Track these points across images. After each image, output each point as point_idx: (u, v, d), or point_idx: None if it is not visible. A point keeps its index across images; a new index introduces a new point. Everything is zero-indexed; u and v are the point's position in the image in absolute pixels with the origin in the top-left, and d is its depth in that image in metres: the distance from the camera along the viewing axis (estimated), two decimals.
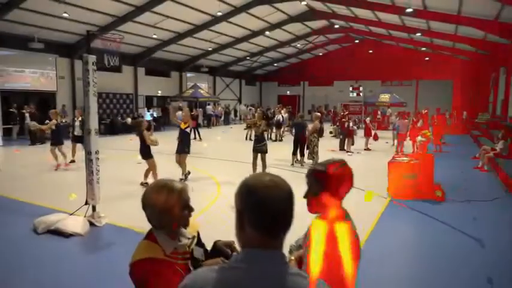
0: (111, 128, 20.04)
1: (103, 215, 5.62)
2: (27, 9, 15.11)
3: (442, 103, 29.22)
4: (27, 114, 16.75)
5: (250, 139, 16.32)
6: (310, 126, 10.90)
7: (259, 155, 8.42)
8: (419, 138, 8.06)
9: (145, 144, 7.74)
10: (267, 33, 24.09)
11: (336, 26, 24.88)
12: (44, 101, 19.70)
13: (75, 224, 5.15)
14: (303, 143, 10.47)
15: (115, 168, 10.26)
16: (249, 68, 34.66)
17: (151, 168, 7.87)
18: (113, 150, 13.44)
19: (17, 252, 4.61)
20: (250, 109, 29.27)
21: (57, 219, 5.21)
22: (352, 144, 13.86)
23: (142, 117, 22.79)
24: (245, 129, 23.98)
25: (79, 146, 10.61)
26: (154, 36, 21.10)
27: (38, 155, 13.01)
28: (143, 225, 5.08)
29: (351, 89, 35.06)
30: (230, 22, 21.63)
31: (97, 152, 5.55)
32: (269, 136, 17.44)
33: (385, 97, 25.92)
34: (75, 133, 10.65)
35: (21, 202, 6.71)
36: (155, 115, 23.35)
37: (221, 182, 8.30)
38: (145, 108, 23.66)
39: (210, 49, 25.86)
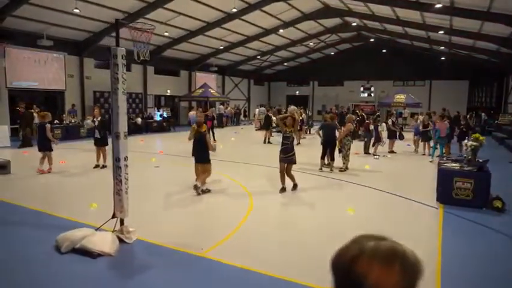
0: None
1: (132, 230, 4.95)
2: (37, 4, 14.50)
3: (456, 104, 28.44)
4: (35, 114, 16.11)
5: (269, 142, 15.59)
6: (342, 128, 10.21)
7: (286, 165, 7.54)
8: (469, 142, 7.32)
9: (206, 148, 7.24)
10: (281, 31, 23.40)
11: (354, 24, 24.12)
12: (51, 100, 19.10)
13: (103, 241, 4.48)
14: (333, 146, 9.78)
15: (133, 173, 9.56)
16: (258, 67, 33.99)
17: (208, 174, 7.35)
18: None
19: (37, 276, 3.96)
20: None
21: (82, 236, 4.55)
22: (379, 146, 13.16)
23: (170, 117, 22.18)
24: (257, 129, 23.38)
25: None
26: (166, 34, 20.44)
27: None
28: (177, 241, 4.34)
29: (362, 89, 34.35)
30: (243, 20, 20.97)
31: (126, 159, 4.88)
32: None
33: (400, 97, 25.20)
34: (95, 135, 10.00)
35: (38, 212, 6.05)
36: (165, 115, 22.70)
37: (252, 191, 7.57)
38: (155, 108, 23.04)
39: (221, 47, 25.20)
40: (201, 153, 7.30)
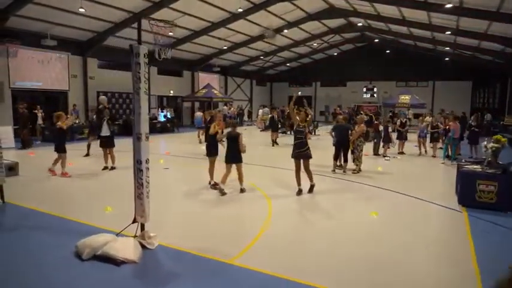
0: (125, 128, 19.15)
1: (153, 235, 4.77)
2: (43, 4, 14.31)
3: (459, 105, 28.36)
4: (39, 115, 15.94)
5: (276, 143, 15.38)
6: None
7: (302, 162, 7.34)
8: (490, 144, 7.16)
9: (239, 148, 7.29)
10: (286, 31, 23.25)
11: (359, 24, 23.97)
12: (53, 101, 18.87)
13: (126, 247, 4.30)
14: (346, 147, 9.61)
15: None
16: (260, 68, 33.83)
17: (242, 173, 7.41)
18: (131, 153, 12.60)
19: (58, 284, 3.77)
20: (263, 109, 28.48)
21: (103, 242, 4.37)
22: (389, 148, 13.01)
23: (173, 117, 21.94)
24: (262, 130, 23.14)
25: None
26: (170, 34, 20.22)
27: (51, 158, 12.20)
28: (200, 246, 4.13)
29: (364, 89, 34.24)
30: (247, 20, 20.83)
31: (147, 161, 4.71)
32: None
33: (405, 98, 25.05)
34: (102, 134, 9.72)
35: (52, 216, 5.86)
36: (169, 116, 22.50)
37: (268, 194, 7.39)
38: (159, 109, 22.86)
39: (224, 48, 25.04)
40: (235, 153, 7.30)
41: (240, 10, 18.21)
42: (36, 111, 16.08)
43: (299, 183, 7.38)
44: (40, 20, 15.74)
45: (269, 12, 20.45)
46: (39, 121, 16.11)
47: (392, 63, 31.39)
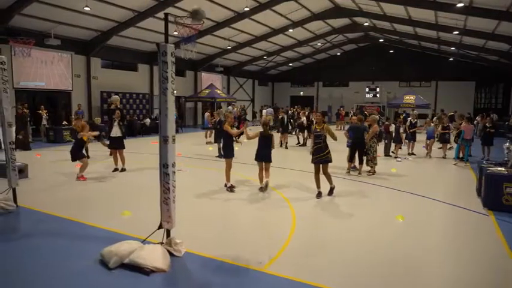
0: (129, 129, 18.94)
1: (179, 241, 4.57)
2: (47, 3, 14.08)
3: (462, 105, 28.28)
4: (43, 115, 15.70)
5: (286, 147, 14.84)
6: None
7: (321, 166, 7.14)
8: None
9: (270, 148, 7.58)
10: (290, 30, 23.07)
11: (366, 24, 23.79)
12: (57, 101, 18.64)
13: (154, 255, 4.11)
14: (362, 149, 9.44)
15: (157, 179, 9.17)
16: (262, 67, 33.65)
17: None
18: (140, 154, 12.40)
19: None
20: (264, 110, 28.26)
21: (129, 250, 4.17)
22: (400, 148, 12.86)
23: (178, 118, 21.58)
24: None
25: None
26: (175, 33, 20.02)
27: (59, 159, 11.98)
28: (228, 253, 3.88)
29: (367, 90, 34.09)
30: (252, 19, 20.65)
31: (174, 165, 4.52)
32: (299, 141, 16.17)
33: (410, 99, 24.94)
34: (112, 135, 9.51)
35: (69, 221, 5.65)
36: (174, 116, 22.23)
37: (289, 197, 7.19)
38: None
39: (228, 47, 24.83)
40: (268, 151, 7.54)
41: (247, 9, 18.01)
42: (40, 111, 15.83)
43: (318, 186, 7.22)
44: (44, 19, 15.50)
45: (274, 11, 20.29)
46: (43, 122, 15.85)
47: (395, 63, 31.32)
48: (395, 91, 31.64)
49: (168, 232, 4.60)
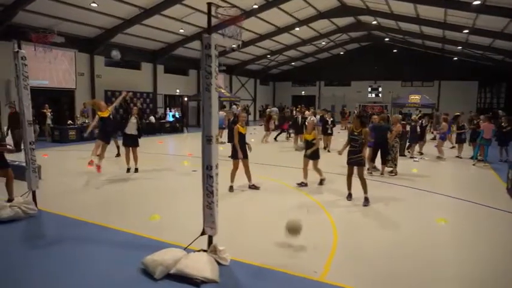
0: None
1: (222, 248, 4.27)
2: None
3: (465, 105, 28.24)
4: (49, 114, 15.29)
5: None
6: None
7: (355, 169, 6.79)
8: None
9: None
10: (297, 29, 22.82)
11: (374, 22, 23.54)
12: (61, 100, 18.21)
13: (202, 265, 3.80)
14: (385, 149, 9.19)
15: (179, 178, 8.90)
16: (264, 67, 33.35)
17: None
18: (148, 154, 12.05)
19: None
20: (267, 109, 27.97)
21: (174, 258, 3.87)
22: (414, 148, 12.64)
23: (182, 117, 21.27)
24: (272, 130, 22.50)
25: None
26: (181, 31, 19.72)
27: (68, 160, 11.64)
28: (275, 260, 3.46)
29: (369, 89, 33.95)
30: (258, 17, 20.32)
31: (217, 166, 4.21)
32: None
33: (415, 98, 24.81)
34: (127, 131, 9.16)
35: (96, 226, 5.32)
36: (177, 115, 21.92)
37: (320, 200, 6.91)
38: (168, 108, 22.30)
39: (233, 46, 24.45)
40: (316, 151, 7.91)
41: (255, 6, 17.70)
42: (45, 110, 15.40)
43: (349, 188, 6.92)
44: (49, 16, 15.09)
45: (280, 9, 20.01)
46: (48, 121, 15.42)
47: (398, 62, 31.17)
48: (398, 91, 31.52)
49: (210, 238, 4.30)
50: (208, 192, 4.19)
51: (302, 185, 7.90)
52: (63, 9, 14.79)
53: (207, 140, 4.16)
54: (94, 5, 14.10)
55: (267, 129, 17.76)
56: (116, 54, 12.31)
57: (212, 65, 4.10)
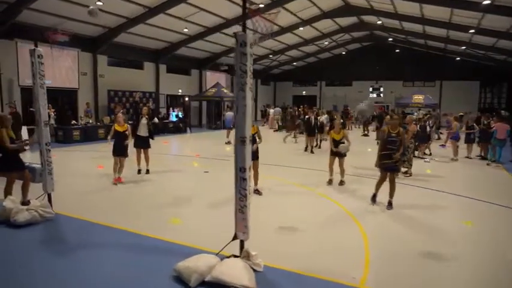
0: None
1: (254, 253, 4.11)
2: None
3: (467, 104, 28.27)
4: (52, 114, 15.05)
5: (312, 152, 13.46)
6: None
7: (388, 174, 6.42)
8: None
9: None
10: (301, 29, 22.70)
11: (379, 22, 23.42)
12: (63, 100, 17.95)
13: (237, 271, 3.65)
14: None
15: (188, 180, 8.72)
16: (266, 66, 33.18)
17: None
18: (155, 155, 11.86)
19: None
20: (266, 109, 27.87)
21: (208, 265, 3.71)
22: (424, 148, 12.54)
23: (185, 117, 21.05)
24: (275, 131, 22.44)
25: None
26: (185, 30, 19.52)
27: (75, 160, 11.45)
28: (309, 266, 3.26)
29: (370, 89, 33.91)
30: (262, 17, 20.15)
31: (250, 169, 4.06)
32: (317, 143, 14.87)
33: (418, 98, 24.76)
34: (139, 133, 8.95)
35: (118, 230, 5.14)
36: (180, 115, 21.72)
37: (349, 208, 6.60)
38: (171, 108, 22.09)
39: (235, 46, 24.28)
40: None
41: (262, 6, 17.53)
42: (48, 110, 15.11)
43: (377, 190, 6.61)
44: (53, 14, 14.83)
45: (285, 9, 19.86)
46: (51, 121, 15.17)
47: (399, 62, 31.11)
48: (399, 91, 31.50)
49: (242, 243, 4.14)
50: (241, 195, 4.03)
51: (330, 183, 8.07)
52: (68, 8, 14.55)
53: (241, 141, 4.00)
54: (99, 3, 13.85)
55: (293, 128, 17.64)
56: (93, 9, 11.49)
57: (247, 64, 3.95)
